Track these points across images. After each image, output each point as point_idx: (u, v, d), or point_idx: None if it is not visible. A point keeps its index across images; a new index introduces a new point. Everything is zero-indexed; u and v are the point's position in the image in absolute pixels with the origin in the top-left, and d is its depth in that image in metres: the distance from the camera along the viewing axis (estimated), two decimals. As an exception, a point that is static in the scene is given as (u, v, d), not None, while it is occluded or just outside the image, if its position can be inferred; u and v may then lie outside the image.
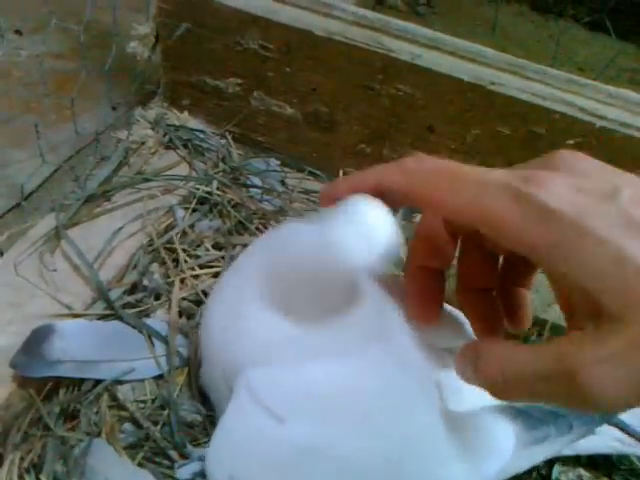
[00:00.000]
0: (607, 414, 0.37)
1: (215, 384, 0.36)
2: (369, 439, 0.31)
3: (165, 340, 0.42)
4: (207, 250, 0.49)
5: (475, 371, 0.29)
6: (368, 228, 0.29)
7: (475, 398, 0.34)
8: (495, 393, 0.28)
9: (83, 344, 0.40)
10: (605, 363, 0.24)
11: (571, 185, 0.25)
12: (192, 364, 0.41)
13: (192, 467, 0.37)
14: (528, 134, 0.49)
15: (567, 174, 0.27)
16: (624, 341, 0.24)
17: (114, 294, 0.43)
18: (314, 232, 0.30)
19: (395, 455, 0.31)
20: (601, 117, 0.47)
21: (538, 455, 0.36)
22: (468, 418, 0.33)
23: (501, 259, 0.33)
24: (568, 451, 0.39)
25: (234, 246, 0.50)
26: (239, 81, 0.55)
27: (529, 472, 0.38)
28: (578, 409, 0.30)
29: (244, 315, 0.34)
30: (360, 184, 0.31)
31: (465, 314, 0.35)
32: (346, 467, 0.31)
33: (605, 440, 0.38)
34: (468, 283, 0.34)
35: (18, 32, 0.69)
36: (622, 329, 0.24)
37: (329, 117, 0.54)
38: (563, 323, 0.39)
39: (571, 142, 0.48)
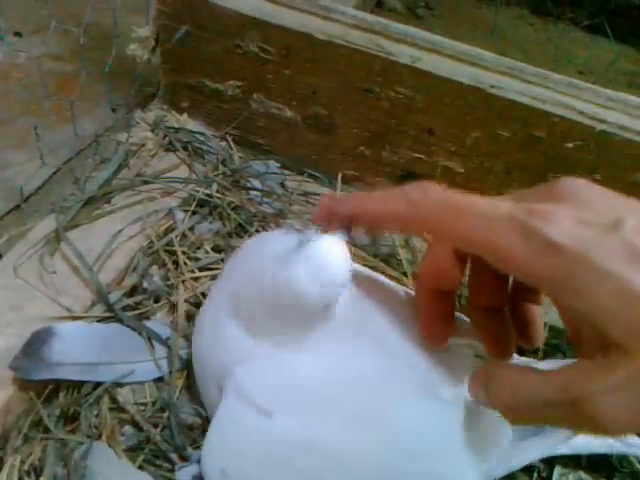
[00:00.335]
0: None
1: (206, 386, 0.37)
2: (356, 431, 0.31)
3: (165, 342, 0.42)
4: (207, 253, 0.49)
5: (487, 395, 0.29)
6: (321, 265, 0.30)
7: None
8: (507, 417, 0.29)
9: (83, 346, 0.40)
10: (612, 392, 0.25)
11: (575, 218, 0.26)
12: (192, 366, 0.41)
13: (192, 469, 0.37)
14: (527, 137, 0.49)
15: (571, 206, 0.27)
16: (631, 371, 0.24)
17: (114, 296, 0.43)
18: (275, 260, 0.31)
19: (384, 447, 0.32)
20: (601, 120, 0.47)
21: (534, 450, 0.36)
22: (463, 414, 0.33)
23: (511, 278, 0.33)
24: (567, 450, 0.38)
25: (234, 249, 0.49)
26: (239, 84, 0.55)
27: (529, 474, 0.38)
28: (587, 434, 0.31)
29: (223, 324, 0.35)
30: (361, 209, 0.32)
31: (477, 333, 0.35)
32: (335, 459, 0.31)
33: (605, 439, 0.38)
34: (479, 302, 0.34)
35: (18, 34, 0.69)
36: (629, 360, 0.25)
37: (328, 120, 0.55)
38: (562, 325, 0.39)
39: (570, 145, 0.48)
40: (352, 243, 0.32)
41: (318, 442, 0.31)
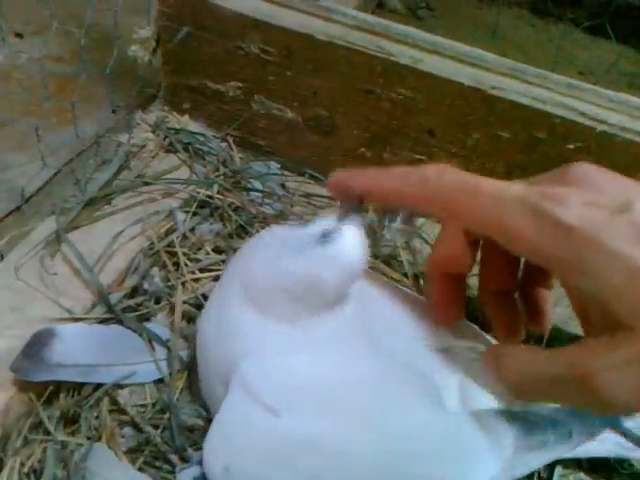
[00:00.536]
0: (617, 416, 0.37)
1: (211, 385, 0.37)
2: (362, 432, 0.32)
3: (165, 344, 0.42)
4: (207, 254, 0.49)
5: (496, 373, 0.30)
6: (341, 255, 0.32)
7: (474, 399, 0.34)
8: (514, 393, 0.30)
9: (83, 348, 0.40)
10: (617, 369, 0.25)
11: (585, 200, 0.27)
12: (192, 368, 0.41)
13: (193, 471, 0.37)
14: (529, 138, 0.49)
15: (581, 189, 0.28)
16: (635, 349, 0.25)
17: (114, 298, 0.43)
18: (296, 250, 0.33)
19: (388, 449, 0.32)
20: (602, 122, 0.47)
21: (535, 461, 0.36)
22: (466, 418, 0.34)
23: (522, 261, 0.34)
24: (567, 454, 0.39)
25: (235, 250, 0.49)
26: (240, 85, 0.55)
27: (529, 475, 0.38)
28: (593, 411, 0.31)
29: (233, 313, 0.35)
30: (376, 186, 0.32)
31: (487, 316, 0.36)
32: (337, 459, 0.32)
33: (605, 444, 0.38)
34: (490, 286, 0.35)
35: (19, 35, 0.69)
36: (634, 338, 0.25)
37: (329, 121, 0.54)
38: (564, 327, 0.39)
39: (571, 147, 0.48)
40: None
41: (321, 442, 0.32)
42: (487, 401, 0.34)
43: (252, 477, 0.32)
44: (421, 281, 0.49)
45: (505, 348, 0.31)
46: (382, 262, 0.50)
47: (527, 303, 0.35)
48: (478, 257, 0.36)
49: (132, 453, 0.38)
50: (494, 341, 0.38)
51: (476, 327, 0.39)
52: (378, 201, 0.34)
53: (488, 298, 0.35)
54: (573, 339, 0.44)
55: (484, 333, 0.39)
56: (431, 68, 0.49)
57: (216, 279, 0.47)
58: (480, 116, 0.50)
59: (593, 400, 0.27)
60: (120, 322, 0.42)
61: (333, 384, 0.32)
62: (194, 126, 0.58)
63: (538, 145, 0.49)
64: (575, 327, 0.45)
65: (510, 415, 0.34)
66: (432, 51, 0.50)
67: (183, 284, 0.46)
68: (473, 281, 0.39)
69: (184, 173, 0.54)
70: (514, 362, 0.29)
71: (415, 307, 0.37)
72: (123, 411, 0.39)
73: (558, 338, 0.44)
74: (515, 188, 0.28)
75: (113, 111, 0.61)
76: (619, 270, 0.25)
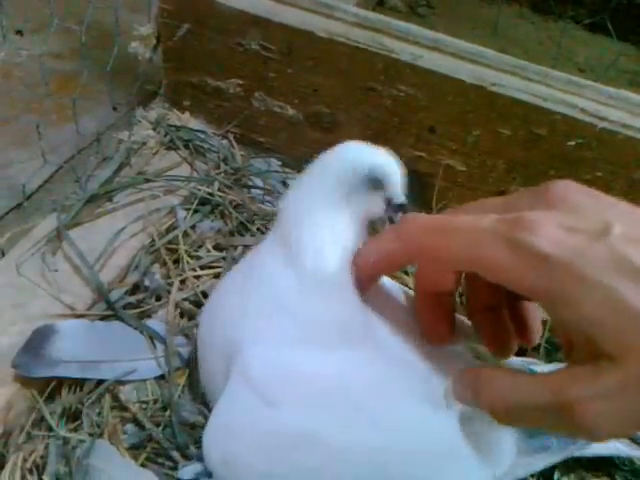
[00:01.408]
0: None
1: (212, 371, 0.37)
2: (358, 429, 0.32)
3: (165, 341, 0.42)
4: (208, 251, 0.49)
5: (476, 396, 0.30)
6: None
7: None
8: (497, 418, 0.29)
9: (85, 344, 0.40)
10: (600, 399, 0.25)
11: (562, 225, 0.26)
12: (193, 365, 0.41)
13: (194, 467, 0.37)
14: (529, 135, 0.49)
15: (560, 212, 0.27)
16: (617, 380, 0.25)
17: (115, 294, 0.43)
18: None
19: (385, 448, 0.32)
20: (602, 118, 0.47)
21: (538, 463, 0.36)
22: (468, 420, 0.33)
23: None
24: (571, 455, 0.38)
25: (235, 247, 0.50)
26: (240, 82, 0.55)
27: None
28: (575, 438, 0.31)
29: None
30: (363, 266, 0.33)
31: (477, 333, 0.35)
32: (335, 455, 0.32)
33: (607, 444, 0.38)
34: (477, 303, 0.34)
35: (19, 32, 0.69)
36: (616, 369, 0.25)
37: (330, 118, 0.54)
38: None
39: (572, 143, 0.48)
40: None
41: (318, 436, 0.32)
42: None
43: (249, 467, 0.32)
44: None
45: (487, 371, 0.30)
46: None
47: (514, 318, 0.34)
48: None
49: (134, 449, 0.38)
50: None
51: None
52: (376, 276, 0.35)
53: (476, 315, 0.35)
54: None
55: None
56: (432, 65, 0.49)
57: (217, 276, 0.47)
58: (481, 113, 0.50)
59: (576, 429, 0.27)
60: (120, 319, 0.42)
61: (334, 380, 0.32)
62: (195, 123, 0.58)
63: (539, 142, 0.49)
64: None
65: None
66: (433, 48, 0.50)
67: (183, 281, 0.46)
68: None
69: (185, 170, 0.54)
70: (496, 387, 0.29)
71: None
72: (125, 408, 0.39)
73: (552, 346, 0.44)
74: (487, 220, 0.28)
75: (114, 108, 0.61)
76: (599, 301, 0.25)
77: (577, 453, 0.38)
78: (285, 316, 0.33)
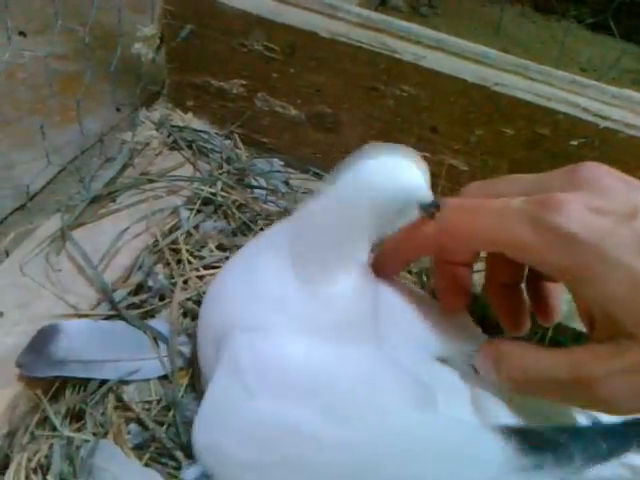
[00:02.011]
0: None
1: (205, 357, 0.37)
2: (339, 424, 0.31)
3: (168, 341, 0.42)
4: (211, 251, 0.49)
5: (497, 367, 0.31)
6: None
7: (475, 410, 0.34)
8: (516, 389, 0.30)
9: (89, 344, 0.40)
10: (620, 376, 0.26)
11: (589, 206, 0.26)
12: (195, 363, 0.41)
13: (198, 469, 0.37)
14: (532, 135, 0.49)
15: (587, 193, 0.27)
16: (636, 358, 0.26)
17: (119, 295, 0.43)
18: None
19: (364, 447, 0.31)
20: (605, 118, 0.47)
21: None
22: (455, 423, 0.33)
23: None
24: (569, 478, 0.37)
25: (238, 247, 0.49)
26: (243, 82, 0.55)
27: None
28: (592, 411, 0.31)
29: (255, 277, 0.35)
30: (395, 253, 0.34)
31: (493, 308, 0.36)
32: (318, 448, 0.31)
33: (613, 466, 0.37)
34: (496, 278, 0.35)
35: (22, 33, 0.69)
36: (637, 346, 0.26)
37: (333, 118, 0.55)
38: (568, 322, 0.39)
39: (575, 143, 0.48)
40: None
41: (298, 429, 0.31)
42: (487, 415, 0.34)
43: (234, 456, 0.32)
44: (424, 278, 0.49)
45: (508, 345, 0.31)
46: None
47: (534, 296, 0.35)
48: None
49: (138, 449, 0.38)
50: None
51: (480, 330, 0.39)
52: (409, 262, 0.37)
53: (494, 290, 0.36)
54: (577, 335, 0.44)
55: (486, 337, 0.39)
56: (434, 65, 0.49)
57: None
58: (483, 113, 0.50)
59: (595, 403, 0.27)
60: (124, 319, 0.42)
61: (323, 374, 0.32)
62: (198, 123, 0.58)
63: (542, 141, 0.49)
64: (579, 323, 0.45)
65: (509, 432, 0.32)
66: (435, 48, 0.50)
67: (185, 281, 0.46)
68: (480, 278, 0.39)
69: (188, 170, 0.54)
70: (518, 360, 0.30)
71: (424, 309, 0.37)
72: (128, 407, 0.39)
73: (561, 333, 0.44)
74: (514, 202, 0.28)
75: (117, 109, 0.61)
76: (622, 280, 0.25)
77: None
78: (279, 305, 0.33)
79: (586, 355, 0.27)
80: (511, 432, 0.32)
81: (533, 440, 0.32)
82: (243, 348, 0.33)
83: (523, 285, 0.36)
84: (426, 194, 0.32)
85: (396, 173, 0.31)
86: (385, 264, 0.36)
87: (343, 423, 0.31)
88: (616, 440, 0.32)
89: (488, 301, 0.37)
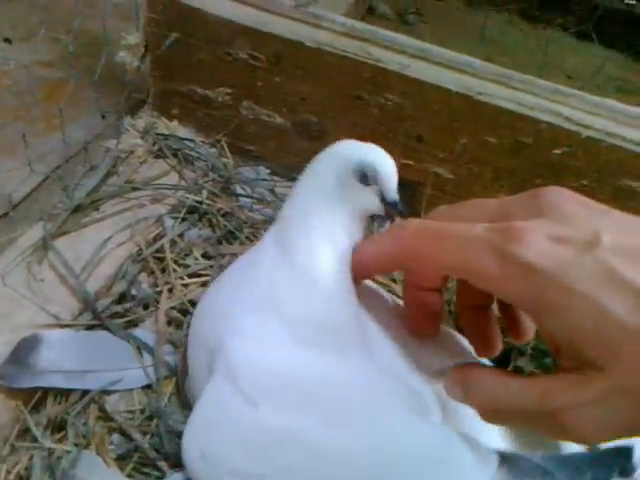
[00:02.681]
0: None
1: (197, 367, 0.37)
2: (337, 433, 0.31)
3: (153, 350, 0.42)
4: (196, 259, 0.49)
5: (465, 396, 0.30)
6: None
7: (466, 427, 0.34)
8: (484, 418, 0.30)
9: (71, 354, 0.40)
10: (585, 407, 0.26)
11: (550, 235, 0.26)
12: (180, 372, 0.41)
13: (180, 476, 0.36)
14: (515, 143, 0.49)
15: (548, 221, 0.27)
16: (603, 388, 0.25)
17: (102, 304, 0.43)
18: None
19: (366, 454, 0.31)
20: (587, 127, 0.47)
21: None
22: (448, 431, 0.33)
23: None
24: None
25: (223, 255, 0.49)
26: (229, 90, 0.56)
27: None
28: (560, 441, 0.32)
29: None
30: (357, 264, 0.34)
31: (464, 331, 0.36)
32: (316, 457, 0.31)
33: None
34: (466, 301, 0.35)
35: (7, 40, 0.69)
36: (601, 377, 0.25)
37: (319, 126, 0.55)
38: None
39: (558, 152, 0.48)
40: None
41: (298, 438, 0.31)
42: (480, 433, 0.34)
43: (228, 465, 0.32)
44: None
45: (476, 372, 0.31)
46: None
47: (506, 315, 0.35)
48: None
49: (121, 460, 0.37)
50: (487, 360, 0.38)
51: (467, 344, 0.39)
52: (367, 275, 0.36)
53: (465, 313, 0.35)
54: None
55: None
56: (418, 74, 0.50)
57: (205, 284, 0.47)
58: (467, 121, 0.50)
59: (563, 433, 0.27)
60: (107, 328, 0.42)
61: (319, 382, 0.32)
62: (183, 132, 0.58)
63: (525, 150, 0.49)
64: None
65: (499, 457, 0.32)
66: (419, 57, 0.51)
67: (170, 290, 0.46)
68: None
69: (173, 179, 0.54)
70: (485, 388, 0.29)
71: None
72: (111, 418, 0.39)
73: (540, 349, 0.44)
74: (478, 229, 0.28)
75: (103, 117, 0.61)
76: (583, 311, 0.25)
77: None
78: (273, 314, 0.33)
79: (554, 385, 0.27)
80: (500, 459, 0.32)
81: (521, 467, 0.32)
82: (239, 357, 0.33)
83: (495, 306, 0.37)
84: (389, 184, 0.34)
85: (359, 146, 0.35)
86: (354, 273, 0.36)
87: (344, 432, 0.31)
88: (600, 469, 0.32)
89: (459, 322, 0.37)
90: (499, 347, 0.35)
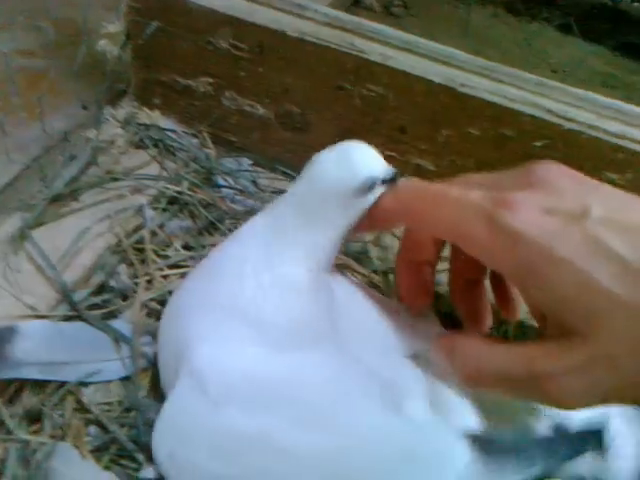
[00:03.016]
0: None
1: (166, 370, 0.37)
2: (306, 432, 0.31)
3: (131, 341, 0.41)
4: (177, 250, 0.48)
5: (450, 360, 0.31)
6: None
7: (440, 412, 0.34)
8: (468, 384, 0.31)
9: (47, 345, 0.40)
10: (569, 374, 0.27)
11: (542, 206, 0.27)
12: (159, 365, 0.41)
13: (157, 467, 0.36)
14: (498, 136, 0.49)
15: (541, 192, 0.28)
16: (587, 356, 0.26)
17: (80, 295, 0.43)
18: None
19: (337, 453, 0.31)
20: (569, 119, 0.47)
21: None
22: (420, 427, 0.33)
23: None
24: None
25: (204, 246, 0.49)
26: (211, 80, 0.55)
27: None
28: (544, 406, 0.32)
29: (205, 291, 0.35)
30: (368, 224, 0.34)
31: (456, 304, 0.37)
32: (284, 458, 0.31)
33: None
34: (459, 273, 0.35)
35: (-13, 29, 0.68)
36: (584, 345, 0.26)
37: (301, 117, 0.54)
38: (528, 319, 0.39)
39: (539, 144, 0.48)
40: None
41: (266, 439, 0.31)
42: (451, 418, 0.34)
43: (195, 466, 0.32)
44: (390, 277, 0.49)
45: (462, 338, 0.31)
46: (352, 258, 0.50)
47: (498, 291, 0.36)
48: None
49: (98, 452, 0.37)
50: None
51: (442, 329, 0.39)
52: (368, 228, 0.36)
53: (458, 285, 0.36)
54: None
55: None
56: (402, 65, 0.49)
57: (185, 276, 0.47)
58: (450, 113, 0.50)
59: (546, 399, 0.28)
60: (84, 320, 0.42)
61: (286, 383, 0.32)
62: (165, 122, 0.57)
63: (507, 142, 0.49)
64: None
65: (472, 436, 0.32)
66: (403, 48, 0.50)
67: (150, 281, 0.46)
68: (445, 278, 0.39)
69: (154, 169, 0.54)
70: (470, 353, 0.30)
71: (385, 311, 0.37)
72: (88, 409, 0.38)
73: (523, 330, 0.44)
74: (473, 195, 0.29)
75: (84, 107, 0.60)
76: (569, 281, 0.26)
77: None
78: (237, 313, 0.33)
79: (538, 351, 0.28)
80: (474, 437, 0.32)
81: (495, 445, 0.32)
82: (204, 359, 0.33)
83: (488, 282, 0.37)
84: (386, 170, 0.33)
85: (347, 158, 0.33)
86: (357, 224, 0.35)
87: (311, 431, 0.31)
88: (574, 445, 0.33)
89: (451, 296, 0.37)
90: (489, 321, 0.36)
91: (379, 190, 0.33)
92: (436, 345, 0.32)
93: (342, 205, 0.32)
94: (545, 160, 0.30)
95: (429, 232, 0.33)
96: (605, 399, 0.28)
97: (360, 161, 0.33)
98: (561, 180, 0.29)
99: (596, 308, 0.25)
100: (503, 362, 0.29)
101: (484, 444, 0.32)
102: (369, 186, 0.32)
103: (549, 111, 0.47)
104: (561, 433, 0.33)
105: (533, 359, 0.28)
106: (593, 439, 0.33)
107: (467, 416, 0.34)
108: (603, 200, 0.27)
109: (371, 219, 0.34)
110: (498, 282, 0.36)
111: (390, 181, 0.34)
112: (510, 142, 0.49)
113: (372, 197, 0.33)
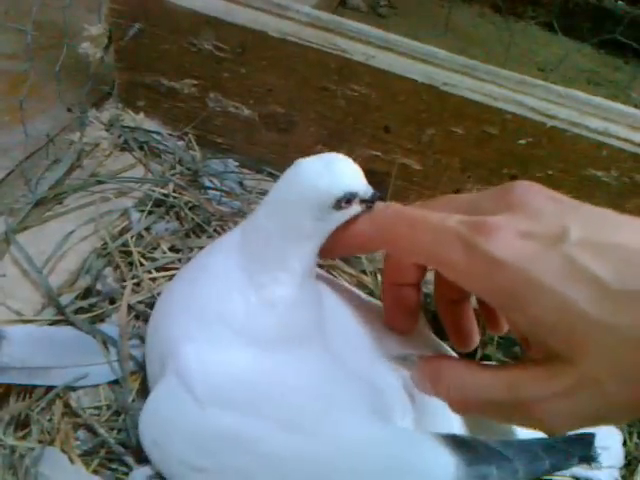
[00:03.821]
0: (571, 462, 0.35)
1: (152, 371, 0.37)
2: (289, 434, 0.31)
3: (118, 345, 0.41)
4: (164, 253, 0.48)
5: (435, 387, 0.31)
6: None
7: (424, 419, 0.34)
8: (454, 410, 0.30)
9: (34, 350, 0.39)
10: (554, 399, 0.26)
11: (520, 230, 0.27)
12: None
13: (146, 470, 0.36)
14: (481, 134, 0.50)
15: (519, 215, 0.28)
16: (570, 381, 0.26)
17: (66, 299, 0.43)
18: None
19: (319, 457, 0.31)
20: (551, 117, 0.48)
21: None
22: (405, 435, 0.33)
23: None
24: None
25: (192, 249, 0.49)
26: (195, 82, 0.55)
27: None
28: (531, 431, 0.32)
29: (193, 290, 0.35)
30: (334, 240, 0.33)
31: (442, 321, 0.36)
32: (263, 460, 0.31)
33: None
34: (443, 295, 0.35)
35: (-31, 32, 0.67)
36: (569, 370, 0.26)
37: (286, 118, 0.54)
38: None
39: (523, 142, 0.48)
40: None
41: (248, 440, 0.31)
42: (437, 423, 0.34)
43: (176, 455, 0.33)
44: (379, 278, 0.49)
45: (445, 363, 0.31)
46: (340, 259, 0.50)
47: (483, 307, 0.35)
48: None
49: (87, 456, 0.37)
50: (451, 351, 0.39)
51: (434, 337, 0.39)
52: (343, 253, 0.37)
53: (443, 306, 0.36)
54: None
55: (442, 343, 0.39)
56: (384, 65, 0.49)
57: (172, 278, 0.47)
58: (433, 112, 0.50)
59: (531, 424, 0.28)
60: (71, 324, 0.41)
61: (270, 385, 0.32)
62: (150, 124, 0.57)
63: (491, 140, 0.50)
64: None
65: (456, 443, 0.33)
66: (385, 48, 0.50)
67: (138, 284, 0.45)
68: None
69: (139, 172, 0.53)
70: (454, 380, 0.30)
71: (373, 315, 0.37)
72: (76, 414, 0.38)
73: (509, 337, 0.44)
74: (451, 221, 0.28)
75: (68, 109, 0.60)
76: (548, 305, 0.25)
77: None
78: (223, 315, 0.33)
79: (523, 376, 0.28)
80: (458, 444, 0.32)
81: (479, 453, 0.32)
82: (190, 359, 0.33)
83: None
84: (366, 188, 0.32)
85: (329, 168, 0.31)
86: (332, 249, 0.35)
87: (295, 435, 0.31)
88: (559, 456, 0.33)
89: (438, 313, 0.37)
90: (476, 341, 0.36)
91: (355, 208, 0.32)
92: (421, 371, 0.32)
93: (317, 216, 0.31)
94: (523, 181, 0.30)
95: (408, 258, 0.33)
96: (591, 422, 0.28)
97: (342, 174, 0.31)
98: (539, 201, 0.28)
99: (577, 332, 0.25)
100: (489, 389, 0.28)
101: (469, 452, 0.32)
102: (347, 200, 0.31)
103: (532, 109, 0.48)
104: (546, 442, 0.33)
105: (518, 385, 0.27)
106: (581, 448, 0.33)
107: (452, 422, 0.35)
108: (582, 221, 0.27)
109: (347, 243, 0.33)
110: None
111: (368, 201, 0.33)
112: (494, 140, 0.49)
113: (347, 214, 0.32)
